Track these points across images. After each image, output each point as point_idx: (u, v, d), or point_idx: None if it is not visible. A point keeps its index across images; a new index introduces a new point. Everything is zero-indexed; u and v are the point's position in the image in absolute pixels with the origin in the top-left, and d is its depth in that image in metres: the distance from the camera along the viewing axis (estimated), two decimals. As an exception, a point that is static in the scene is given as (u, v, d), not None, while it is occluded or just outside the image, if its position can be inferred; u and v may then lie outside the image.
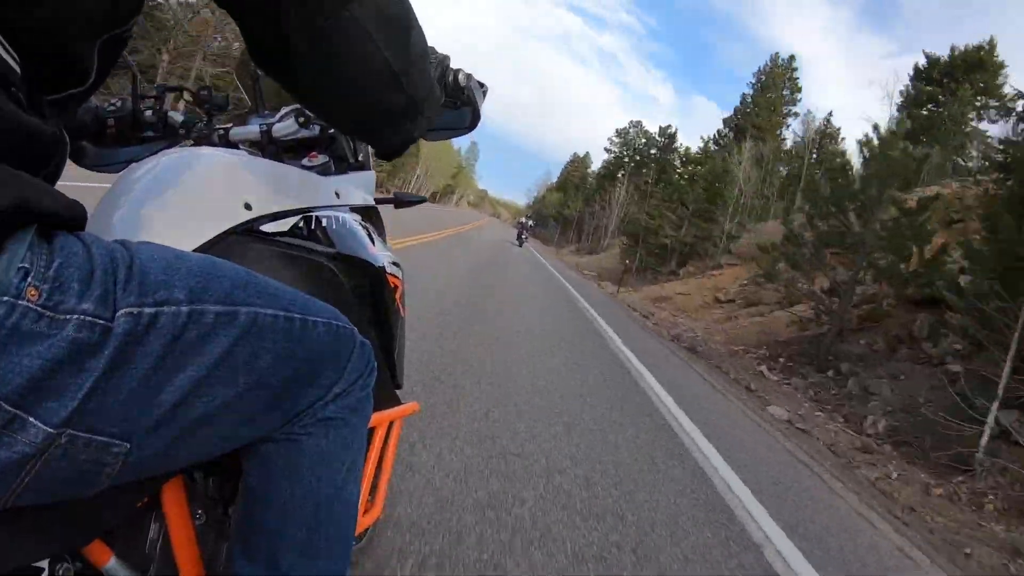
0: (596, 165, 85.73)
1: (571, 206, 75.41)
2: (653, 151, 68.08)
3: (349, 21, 0.61)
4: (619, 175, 68.25)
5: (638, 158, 68.39)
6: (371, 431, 1.04)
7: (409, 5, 0.68)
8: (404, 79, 0.69)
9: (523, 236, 32.36)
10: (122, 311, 0.51)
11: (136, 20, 0.58)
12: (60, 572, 0.67)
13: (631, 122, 74.58)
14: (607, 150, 73.87)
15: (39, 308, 0.46)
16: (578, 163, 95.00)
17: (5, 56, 0.48)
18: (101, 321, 0.49)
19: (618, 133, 73.25)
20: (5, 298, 0.44)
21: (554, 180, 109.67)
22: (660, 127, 71.80)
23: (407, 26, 0.68)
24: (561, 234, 76.15)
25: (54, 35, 0.51)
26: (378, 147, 0.84)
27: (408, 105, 0.74)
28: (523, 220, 34.34)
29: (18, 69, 0.49)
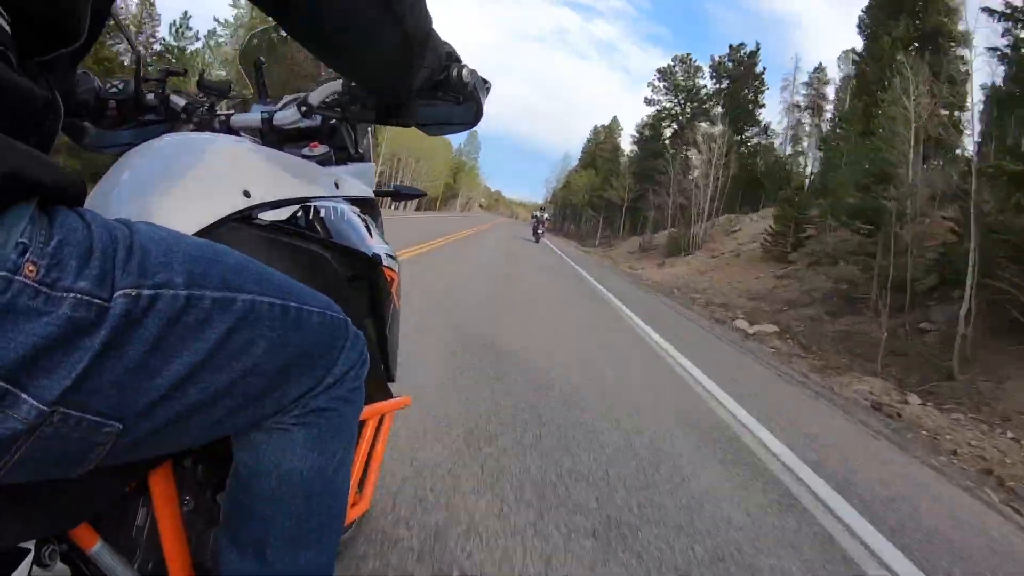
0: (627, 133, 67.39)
1: (614, 185, 53.69)
2: (723, 84, 49.61)
3: None
4: (668, 131, 51.42)
5: (695, 104, 51.39)
6: (362, 424, 1.04)
7: None
8: (400, 13, 0.69)
9: (539, 230, 29.05)
10: (120, 292, 0.51)
11: None
12: (47, 554, 0.67)
13: (676, 57, 54.43)
14: (648, 100, 54.77)
15: (36, 284, 0.46)
16: (605, 134, 73.58)
17: None
18: (98, 301, 0.49)
19: (661, 74, 54.29)
20: (2, 273, 0.44)
21: (574, 164, 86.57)
22: (730, 46, 51.14)
23: None
24: (606, 226, 55.10)
25: None
26: (379, 90, 0.84)
27: (405, 44, 0.74)
28: (537, 214, 30.47)
29: (8, 29, 0.49)
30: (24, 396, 0.46)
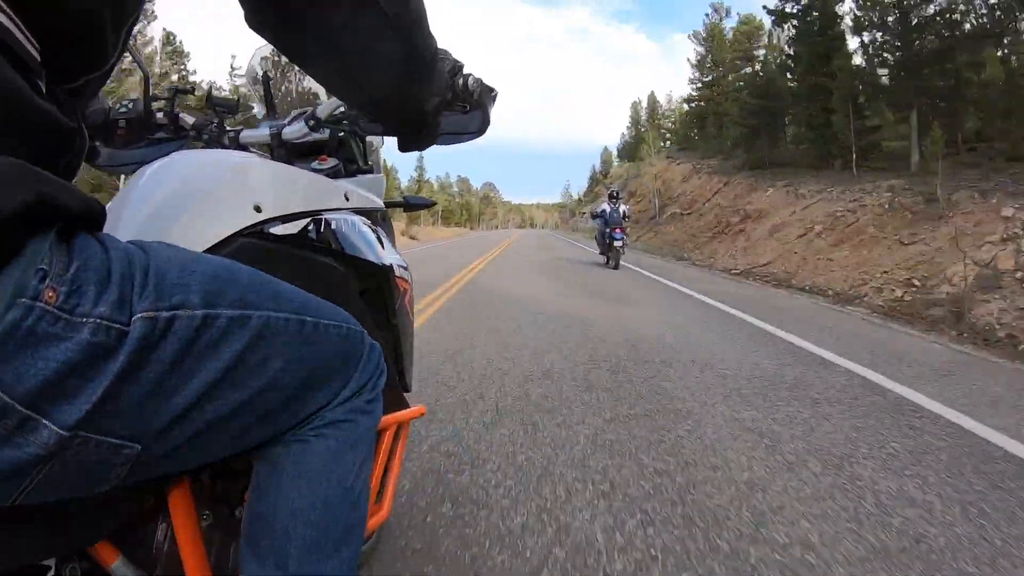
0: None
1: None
2: None
3: None
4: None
5: None
6: (379, 434, 1.03)
7: None
8: (406, 41, 0.68)
9: (618, 240, 13.45)
10: (138, 315, 0.51)
11: (146, 4, 0.59)
12: (67, 571, 0.67)
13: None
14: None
15: (56, 311, 0.46)
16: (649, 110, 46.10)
17: (26, 44, 0.48)
18: (117, 325, 0.49)
19: None
20: (22, 300, 0.44)
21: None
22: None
23: None
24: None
25: (86, 22, 0.52)
26: (388, 119, 0.82)
27: (411, 70, 0.73)
28: (606, 207, 14.01)
29: (38, 57, 0.49)
30: (45, 422, 0.46)
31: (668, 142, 54.86)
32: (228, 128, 1.19)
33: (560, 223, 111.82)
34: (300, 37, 0.65)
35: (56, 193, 0.47)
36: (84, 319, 0.47)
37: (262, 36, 0.67)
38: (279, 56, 1.48)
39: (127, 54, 0.68)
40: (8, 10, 0.46)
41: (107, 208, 0.83)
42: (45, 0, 0.48)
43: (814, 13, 23.05)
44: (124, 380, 0.50)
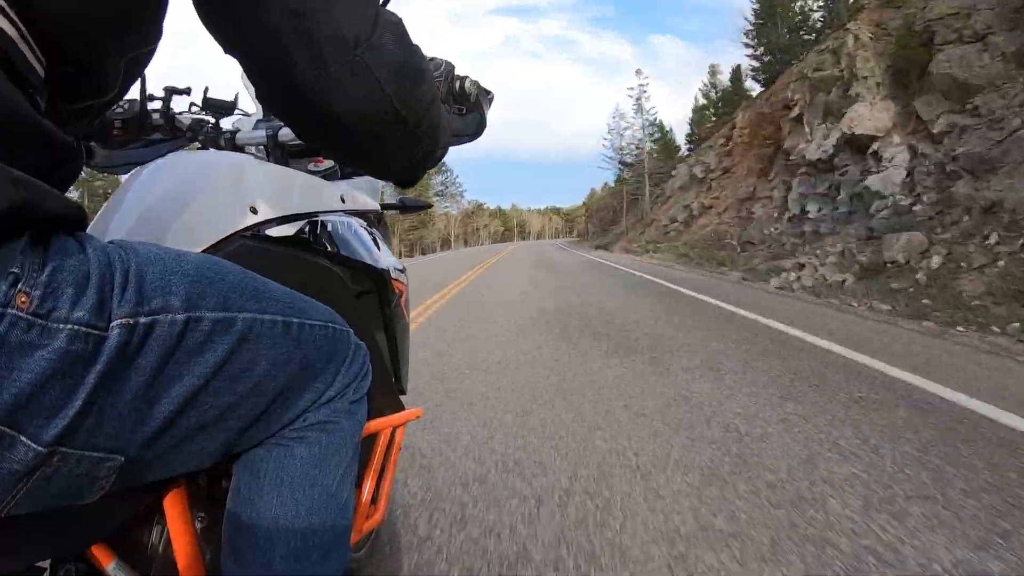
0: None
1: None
2: None
3: (357, 67, 0.59)
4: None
5: None
6: (374, 437, 1.03)
7: (420, 53, 0.66)
8: (412, 124, 0.66)
9: None
10: (116, 321, 0.49)
11: (158, 42, 0.59)
12: (62, 574, 0.67)
13: None
14: None
15: (30, 317, 0.43)
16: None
17: (31, 59, 0.47)
18: (95, 331, 0.47)
19: None
20: None
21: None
22: None
23: (417, 75, 0.65)
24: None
25: (86, 45, 0.51)
26: (390, 179, 0.82)
27: (415, 143, 0.71)
28: None
29: (42, 73, 0.48)
30: (22, 438, 0.44)
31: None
32: (224, 129, 1.18)
33: (578, 235, 70.00)
34: (310, 121, 0.64)
35: (37, 198, 0.45)
36: (61, 325, 0.45)
37: (275, 115, 0.67)
38: None
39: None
40: (15, 19, 0.45)
41: (102, 210, 0.83)
42: (45, 12, 0.47)
43: None
44: (103, 390, 0.48)
